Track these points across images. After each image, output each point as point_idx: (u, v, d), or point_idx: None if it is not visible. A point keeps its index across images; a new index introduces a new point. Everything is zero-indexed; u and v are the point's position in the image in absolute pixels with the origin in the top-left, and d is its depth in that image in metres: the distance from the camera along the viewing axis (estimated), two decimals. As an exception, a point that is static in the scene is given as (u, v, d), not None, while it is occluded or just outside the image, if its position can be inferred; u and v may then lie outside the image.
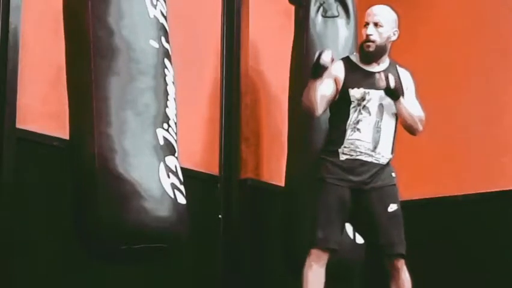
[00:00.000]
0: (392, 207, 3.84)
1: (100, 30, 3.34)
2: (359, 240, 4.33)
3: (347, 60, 3.93)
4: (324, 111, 3.90)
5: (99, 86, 3.30)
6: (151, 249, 3.29)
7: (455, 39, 5.55)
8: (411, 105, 3.91)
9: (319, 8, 4.59)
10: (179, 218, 3.34)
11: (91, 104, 3.29)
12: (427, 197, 5.41)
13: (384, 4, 3.90)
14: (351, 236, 4.28)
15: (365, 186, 3.81)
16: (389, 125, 3.87)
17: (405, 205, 5.42)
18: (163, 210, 3.27)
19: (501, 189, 5.17)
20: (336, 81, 3.86)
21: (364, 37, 3.84)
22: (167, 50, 3.50)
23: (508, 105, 5.28)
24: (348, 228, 4.27)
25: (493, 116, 5.33)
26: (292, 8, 4.74)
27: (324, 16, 4.56)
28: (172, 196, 3.31)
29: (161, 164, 3.31)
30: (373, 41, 3.81)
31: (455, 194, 5.32)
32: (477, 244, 5.18)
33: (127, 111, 3.30)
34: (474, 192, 5.25)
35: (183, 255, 4.16)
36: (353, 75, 3.86)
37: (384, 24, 3.82)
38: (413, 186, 5.46)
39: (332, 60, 3.73)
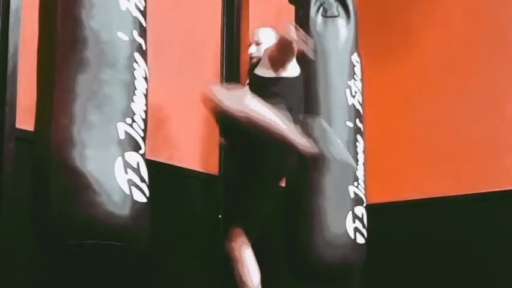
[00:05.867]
0: None
1: (68, 20, 3.30)
2: (359, 240, 4.33)
3: None
4: None
5: (61, 77, 3.26)
6: (104, 246, 3.19)
7: (456, 38, 5.55)
8: None
9: (319, 8, 4.58)
10: (133, 216, 3.23)
11: (52, 95, 3.25)
12: (427, 197, 5.41)
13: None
14: (352, 236, 4.28)
15: None
16: None
17: (405, 205, 5.46)
18: (114, 206, 3.18)
19: (501, 189, 5.16)
20: None
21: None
22: (140, 44, 3.42)
23: (508, 105, 5.28)
24: (349, 227, 4.27)
25: (494, 115, 5.32)
26: (292, 8, 4.74)
27: (324, 16, 4.56)
28: (128, 192, 3.22)
29: (119, 158, 3.24)
30: (255, 57, 4.17)
31: (455, 194, 5.31)
32: (477, 244, 5.18)
33: (88, 103, 3.23)
34: (474, 192, 5.25)
35: (183, 256, 4.17)
36: None
37: (263, 42, 4.17)
38: (413, 186, 5.46)
39: None
